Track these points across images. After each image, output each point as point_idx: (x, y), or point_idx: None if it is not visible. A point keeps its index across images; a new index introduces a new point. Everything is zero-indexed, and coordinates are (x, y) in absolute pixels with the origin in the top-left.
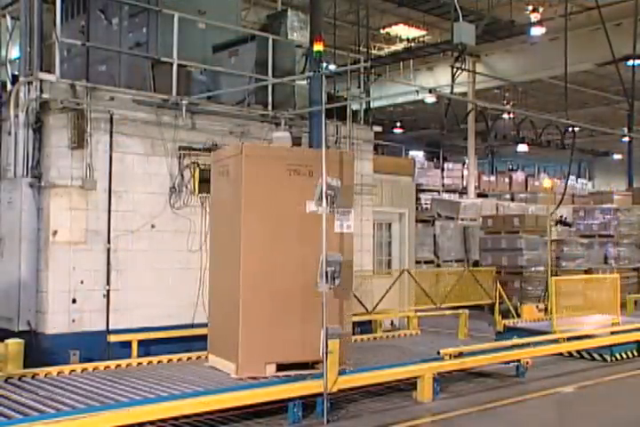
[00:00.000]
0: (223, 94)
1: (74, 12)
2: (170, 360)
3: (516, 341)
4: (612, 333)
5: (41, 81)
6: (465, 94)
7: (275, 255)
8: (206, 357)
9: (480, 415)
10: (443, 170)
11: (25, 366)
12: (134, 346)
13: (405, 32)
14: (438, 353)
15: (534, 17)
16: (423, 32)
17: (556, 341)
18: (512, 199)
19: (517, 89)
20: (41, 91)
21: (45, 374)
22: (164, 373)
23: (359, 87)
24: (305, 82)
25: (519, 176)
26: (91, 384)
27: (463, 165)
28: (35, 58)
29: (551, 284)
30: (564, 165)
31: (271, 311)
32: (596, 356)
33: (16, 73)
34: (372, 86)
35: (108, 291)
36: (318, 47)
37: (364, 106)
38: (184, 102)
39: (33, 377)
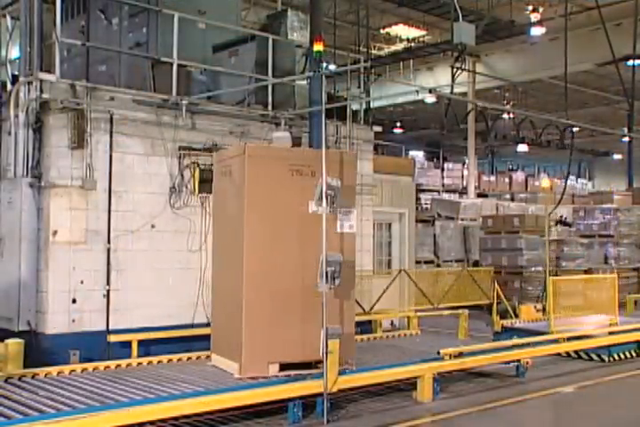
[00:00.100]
0: (223, 94)
1: (74, 12)
2: (170, 360)
3: (515, 341)
4: (610, 333)
5: (41, 81)
6: (465, 94)
7: (277, 255)
8: (207, 357)
9: (480, 415)
10: (443, 170)
11: (25, 366)
12: (134, 346)
13: (405, 32)
14: (438, 353)
15: (534, 17)
16: (423, 32)
17: (554, 341)
18: (512, 199)
19: (517, 89)
20: (41, 91)
21: (45, 374)
22: (166, 373)
23: (359, 87)
24: (305, 82)
25: (519, 176)
26: (91, 384)
27: (463, 165)
28: (35, 58)
29: (549, 284)
30: (564, 165)
31: (274, 311)
32: (593, 356)
33: (16, 73)
34: (372, 86)
35: (108, 291)
36: (318, 47)
37: (364, 106)
38: (184, 102)
39: (33, 377)
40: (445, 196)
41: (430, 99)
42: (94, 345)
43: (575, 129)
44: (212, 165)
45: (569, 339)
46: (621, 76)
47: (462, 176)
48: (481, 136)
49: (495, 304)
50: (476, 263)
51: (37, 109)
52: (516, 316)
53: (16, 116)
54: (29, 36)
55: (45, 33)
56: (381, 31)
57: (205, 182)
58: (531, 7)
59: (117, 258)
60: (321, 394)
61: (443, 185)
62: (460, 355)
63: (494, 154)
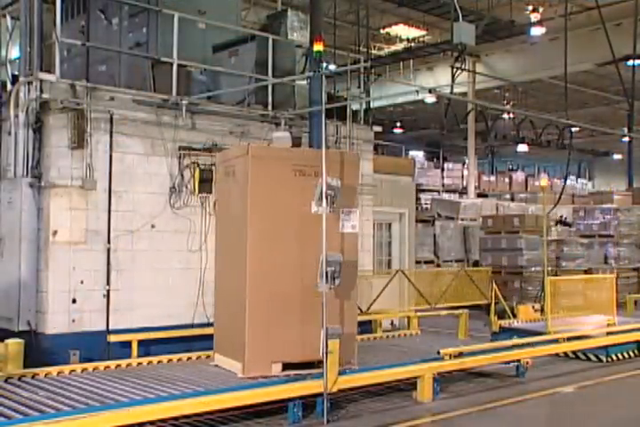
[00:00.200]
0: (223, 94)
1: (74, 12)
2: (170, 360)
3: (515, 341)
4: (608, 333)
5: (41, 81)
6: (465, 94)
7: (280, 255)
8: (207, 356)
9: (480, 415)
10: (443, 170)
11: (25, 366)
12: (134, 346)
13: (405, 32)
14: (438, 353)
15: (534, 17)
16: (423, 32)
17: (552, 341)
18: (512, 199)
19: (517, 89)
20: (41, 91)
21: (45, 374)
22: (167, 373)
23: (359, 87)
24: (305, 82)
25: (519, 176)
26: (91, 384)
27: (463, 165)
28: (35, 58)
29: (547, 284)
30: (565, 165)
31: (277, 311)
32: (591, 356)
33: (16, 73)
34: (372, 86)
35: (108, 291)
36: (318, 47)
37: (364, 106)
38: (184, 102)
39: (33, 377)
40: (445, 196)
41: (430, 99)
42: (94, 345)
43: (575, 129)
44: (212, 165)
45: (566, 339)
46: (621, 76)
47: (462, 176)
48: (481, 136)
49: (493, 304)
50: (476, 263)
51: (37, 109)
52: (514, 316)
53: (16, 116)
54: (29, 36)
55: (45, 33)
56: (381, 31)
57: (205, 182)
58: (531, 7)
59: (117, 258)
60: (321, 394)
61: (443, 185)
62: (460, 355)
63: (494, 154)
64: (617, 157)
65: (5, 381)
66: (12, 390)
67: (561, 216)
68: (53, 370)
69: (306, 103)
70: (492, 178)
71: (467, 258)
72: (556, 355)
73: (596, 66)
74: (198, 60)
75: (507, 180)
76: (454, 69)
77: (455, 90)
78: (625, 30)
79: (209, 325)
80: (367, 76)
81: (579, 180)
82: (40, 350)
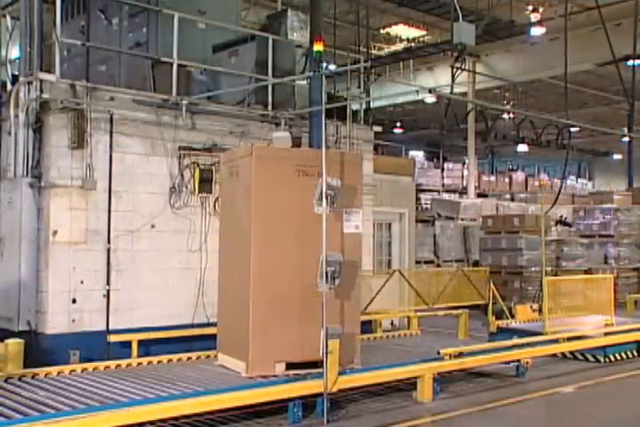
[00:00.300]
0: (223, 94)
1: (74, 12)
2: (170, 360)
3: (515, 341)
4: (606, 334)
5: (41, 81)
6: (465, 94)
7: (283, 255)
8: (207, 356)
9: (480, 415)
10: (443, 170)
11: (25, 366)
12: (134, 346)
13: (405, 32)
14: (438, 353)
15: (534, 17)
16: (423, 32)
17: (554, 341)
18: (512, 199)
19: (517, 89)
20: (41, 91)
21: (45, 374)
22: (167, 373)
23: (359, 87)
24: (305, 82)
25: (519, 176)
26: (91, 384)
27: (463, 165)
28: (35, 58)
29: (544, 284)
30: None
31: (281, 311)
32: (588, 357)
33: (16, 73)
34: (372, 86)
35: (108, 291)
36: (318, 47)
37: (364, 106)
38: (184, 102)
39: (33, 377)
40: (445, 196)
41: (430, 99)
42: (94, 345)
43: (575, 129)
44: (212, 165)
45: (564, 340)
46: (621, 76)
47: (462, 176)
48: (481, 136)
49: (490, 304)
50: (476, 263)
51: (37, 109)
52: (512, 316)
53: (16, 116)
54: (29, 36)
55: (45, 33)
56: (381, 31)
57: (205, 182)
58: (531, 7)
59: (117, 258)
60: (321, 394)
61: (443, 185)
62: (460, 355)
63: (494, 154)
64: (617, 157)
65: (5, 381)
66: (12, 390)
67: (561, 216)
68: (53, 370)
69: (306, 103)
70: (492, 178)
71: (467, 258)
72: (554, 355)
73: (596, 66)
74: (198, 60)
75: (507, 180)
76: (454, 69)
77: (455, 90)
78: (625, 30)
79: (209, 325)
80: (367, 76)
81: (579, 180)
82: (40, 350)
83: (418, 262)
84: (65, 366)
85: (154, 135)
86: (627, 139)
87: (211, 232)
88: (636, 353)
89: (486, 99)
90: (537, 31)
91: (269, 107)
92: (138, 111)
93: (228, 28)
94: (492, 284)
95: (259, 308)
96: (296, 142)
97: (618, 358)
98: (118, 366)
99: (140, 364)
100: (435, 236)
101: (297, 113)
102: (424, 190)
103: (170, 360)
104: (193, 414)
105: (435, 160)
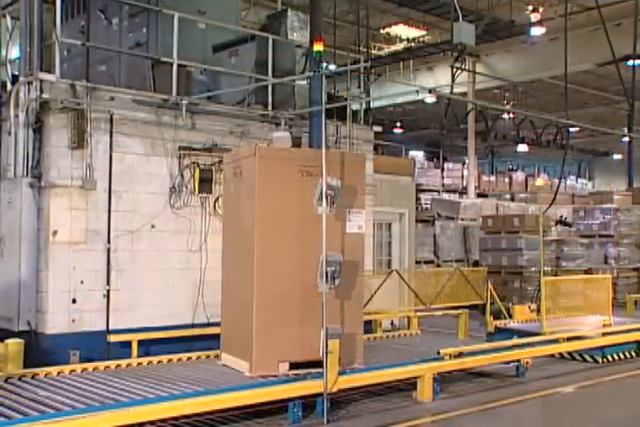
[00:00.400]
0: (223, 94)
1: (74, 12)
2: (170, 360)
3: (515, 341)
4: (604, 334)
5: (41, 81)
6: (465, 94)
7: (286, 255)
8: (207, 356)
9: (480, 415)
10: (443, 170)
11: (25, 366)
12: (134, 346)
13: (405, 32)
14: (438, 353)
15: (534, 17)
16: (423, 32)
17: (553, 341)
18: (512, 199)
19: (517, 89)
20: (41, 91)
21: (45, 374)
22: (168, 373)
23: (359, 87)
24: (305, 82)
25: (519, 176)
26: (91, 384)
27: (463, 165)
28: (35, 58)
29: (542, 284)
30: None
31: (285, 310)
32: (586, 357)
33: (16, 73)
34: (372, 86)
35: (108, 291)
36: (318, 47)
37: (364, 106)
38: (184, 102)
39: (33, 377)
40: (445, 196)
41: (430, 99)
42: (94, 345)
43: (575, 129)
44: (212, 165)
45: (562, 340)
46: (621, 76)
47: (462, 176)
48: (481, 136)
49: (488, 304)
50: (476, 263)
51: (37, 109)
52: (510, 316)
53: (16, 116)
54: (29, 36)
55: (45, 33)
56: (381, 31)
57: (205, 182)
58: (531, 7)
59: (117, 258)
60: (321, 394)
61: (443, 185)
62: (460, 355)
63: (494, 154)
64: (617, 157)
65: (5, 381)
66: (12, 390)
67: (561, 216)
68: (53, 370)
69: (306, 103)
70: (492, 178)
71: (467, 258)
72: (552, 356)
73: (596, 66)
74: (198, 60)
75: (507, 180)
76: (454, 69)
77: (455, 90)
78: (625, 30)
79: (209, 325)
80: (367, 76)
81: (579, 180)
82: (40, 350)
83: (418, 262)
84: (65, 366)
85: (154, 135)
86: (627, 139)
87: (211, 232)
88: (634, 353)
89: (486, 99)
90: (537, 31)
91: (269, 107)
92: (138, 111)
93: (227, 28)
94: (489, 284)
95: (262, 308)
96: (296, 142)
97: (616, 358)
98: (118, 366)
99: (140, 364)
100: (435, 236)
101: (297, 113)
102: (424, 190)
103: (170, 360)
104: (193, 414)
105: (435, 160)
